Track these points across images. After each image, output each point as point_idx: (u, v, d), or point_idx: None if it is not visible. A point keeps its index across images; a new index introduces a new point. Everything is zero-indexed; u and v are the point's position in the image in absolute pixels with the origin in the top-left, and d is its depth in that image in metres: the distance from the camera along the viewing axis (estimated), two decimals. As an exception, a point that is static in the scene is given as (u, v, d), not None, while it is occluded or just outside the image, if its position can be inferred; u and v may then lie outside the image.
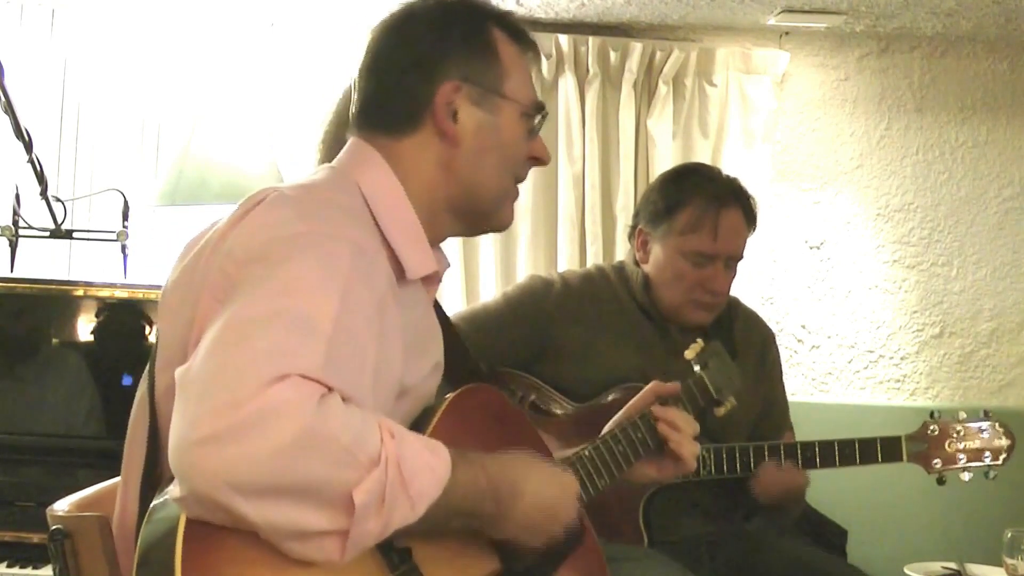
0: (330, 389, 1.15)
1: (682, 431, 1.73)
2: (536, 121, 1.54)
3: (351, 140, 1.50)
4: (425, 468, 1.20)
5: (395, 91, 1.46)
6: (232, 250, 1.26)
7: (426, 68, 1.44)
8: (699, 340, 1.95)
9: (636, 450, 1.73)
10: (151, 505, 1.22)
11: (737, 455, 2.26)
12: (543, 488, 1.40)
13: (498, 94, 1.48)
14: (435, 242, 1.50)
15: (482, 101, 1.47)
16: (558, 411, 2.31)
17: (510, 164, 1.52)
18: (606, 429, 1.76)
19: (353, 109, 1.52)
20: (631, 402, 1.81)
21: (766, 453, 2.26)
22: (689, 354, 1.92)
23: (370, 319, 1.26)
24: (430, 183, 1.46)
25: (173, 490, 1.14)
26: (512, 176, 1.54)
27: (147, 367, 1.41)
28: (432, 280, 1.49)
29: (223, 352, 1.14)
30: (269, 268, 1.21)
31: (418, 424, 1.43)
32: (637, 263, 2.41)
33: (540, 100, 1.55)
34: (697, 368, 1.90)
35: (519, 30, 1.52)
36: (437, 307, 1.59)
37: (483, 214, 1.54)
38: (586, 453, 1.68)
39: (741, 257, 2.38)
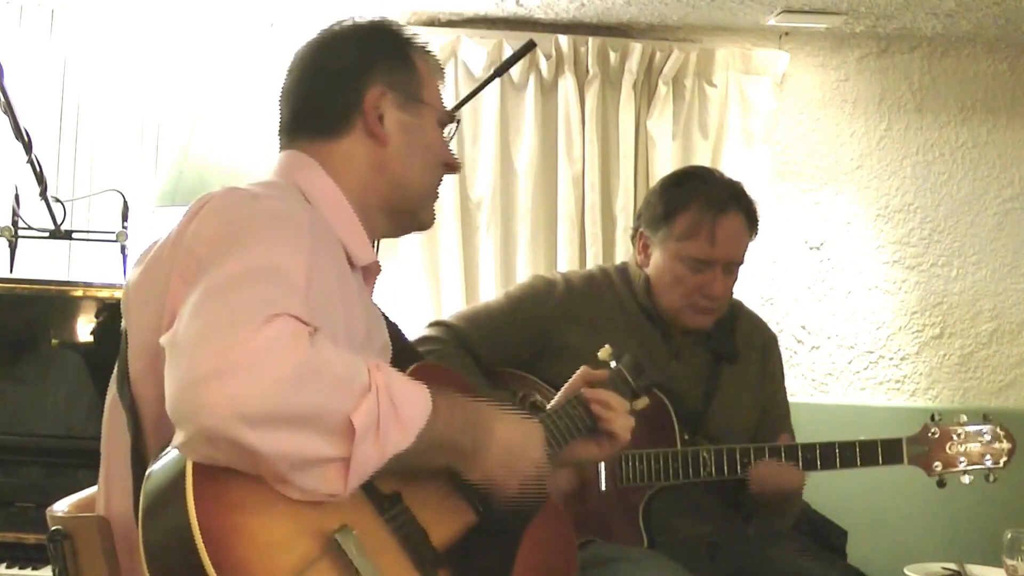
0: (316, 330, 1.22)
1: (614, 408, 1.80)
2: (448, 129, 1.69)
3: (281, 154, 1.61)
4: (412, 397, 1.29)
5: (326, 98, 1.58)
6: (197, 233, 1.34)
7: (353, 76, 1.57)
8: (607, 345, 1.96)
9: (576, 427, 1.79)
10: (147, 471, 1.24)
11: (737, 456, 2.26)
12: (513, 427, 1.50)
13: (418, 100, 1.61)
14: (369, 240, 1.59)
15: (405, 106, 1.59)
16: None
17: (434, 164, 1.65)
18: (548, 408, 1.83)
19: (279, 126, 1.63)
20: (566, 385, 1.87)
21: (766, 454, 2.26)
22: (602, 355, 1.94)
23: (333, 281, 1.37)
24: (363, 182, 1.57)
25: (176, 438, 1.17)
26: (436, 176, 1.66)
27: (116, 370, 1.44)
28: (371, 273, 1.60)
29: (211, 308, 1.19)
30: (236, 240, 1.29)
31: None
32: (639, 265, 2.41)
33: (451, 112, 1.69)
34: (613, 363, 1.92)
35: (428, 49, 1.67)
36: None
37: (410, 211, 1.65)
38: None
39: (741, 262, 2.37)
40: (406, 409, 1.26)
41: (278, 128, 1.63)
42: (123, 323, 1.45)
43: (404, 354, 1.66)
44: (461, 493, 1.49)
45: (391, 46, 1.61)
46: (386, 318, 1.68)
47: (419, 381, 1.51)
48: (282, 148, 1.61)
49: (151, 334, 1.32)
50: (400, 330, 1.74)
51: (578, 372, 1.88)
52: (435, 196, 1.67)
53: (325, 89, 1.58)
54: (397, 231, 1.69)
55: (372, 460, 1.22)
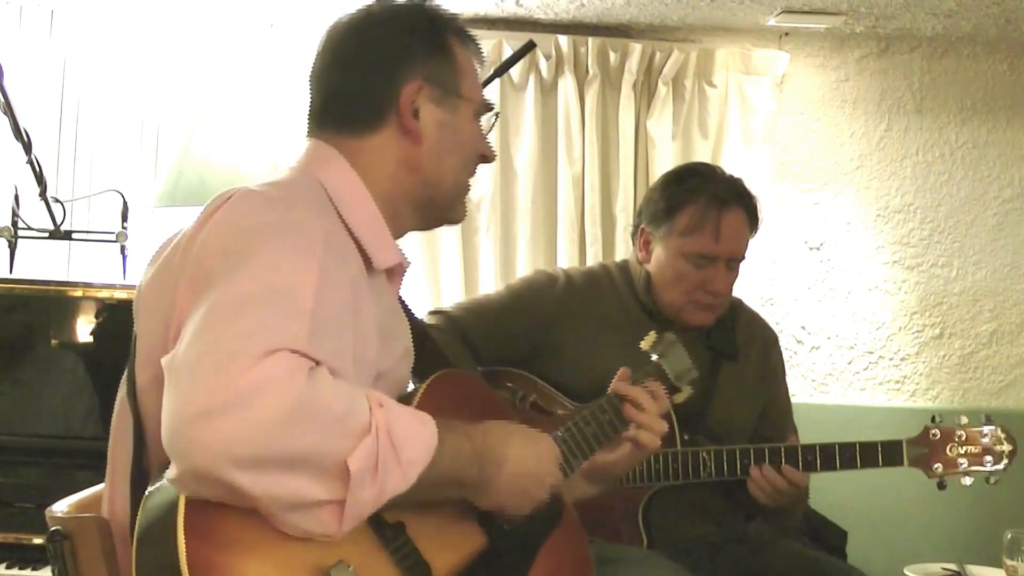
0: (317, 363, 1.18)
1: (646, 410, 1.76)
2: (486, 120, 1.61)
3: (309, 143, 1.54)
4: (414, 435, 1.24)
5: (359, 91, 1.51)
6: (207, 242, 1.30)
7: (390, 69, 1.50)
8: (653, 332, 1.94)
9: (605, 433, 1.75)
10: (146, 492, 1.23)
11: (738, 457, 2.26)
12: (525, 453, 1.44)
13: (456, 94, 1.54)
14: (395, 237, 1.54)
15: (442, 101, 1.52)
16: (558, 411, 2.31)
17: (468, 161, 1.59)
18: (580, 413, 1.78)
19: (308, 110, 1.56)
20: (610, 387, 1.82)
21: (767, 455, 2.26)
22: (644, 344, 1.91)
23: (346, 297, 1.30)
24: (392, 179, 1.51)
25: (169, 472, 1.15)
26: (470, 171, 1.60)
27: (126, 370, 1.43)
28: (396, 273, 1.54)
29: (210, 333, 1.16)
30: (245, 254, 1.24)
31: None
32: (640, 262, 2.41)
33: (490, 101, 1.62)
34: (654, 357, 1.90)
35: (468, 35, 1.59)
36: (402, 302, 1.63)
37: (442, 208, 1.59)
38: (559, 434, 1.70)
39: (743, 258, 2.37)
40: (407, 450, 1.21)
41: (308, 111, 1.56)
42: (134, 326, 1.43)
43: (429, 359, 1.62)
44: (472, 516, 1.45)
45: (430, 34, 1.53)
46: (412, 319, 1.63)
47: (437, 394, 1.50)
48: (310, 133, 1.55)
49: (158, 344, 1.31)
50: (427, 332, 1.70)
51: (619, 372, 1.84)
52: (467, 191, 1.61)
53: (359, 80, 1.50)
54: (426, 226, 1.64)
55: (369, 503, 1.19)
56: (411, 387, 1.59)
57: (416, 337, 1.60)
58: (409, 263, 1.57)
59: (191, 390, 1.12)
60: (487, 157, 1.62)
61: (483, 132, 1.61)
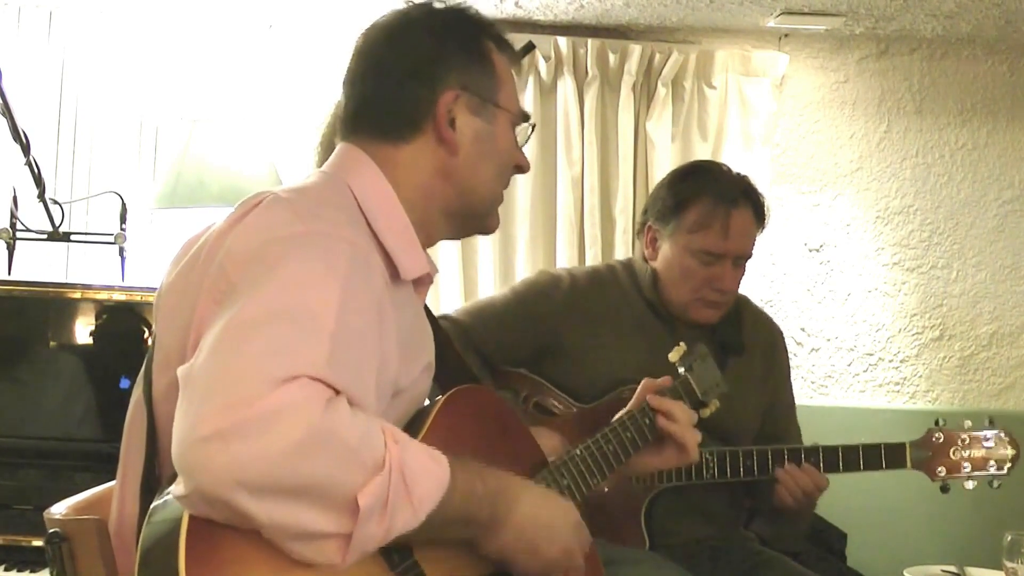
0: (337, 392, 1.16)
1: (679, 421, 1.77)
2: (522, 130, 1.59)
3: (340, 146, 1.52)
4: (427, 474, 1.21)
5: (395, 98, 1.48)
6: (231, 251, 1.27)
7: (427, 76, 1.47)
8: (681, 343, 1.95)
9: (635, 443, 1.76)
10: (151, 506, 1.22)
11: (741, 459, 2.25)
12: (540, 506, 1.41)
13: (493, 103, 1.52)
14: (426, 245, 1.52)
15: (479, 110, 1.50)
16: (562, 411, 2.30)
17: (503, 170, 1.56)
18: (605, 428, 1.78)
19: (341, 114, 1.54)
20: (630, 403, 1.84)
21: (770, 457, 2.25)
22: (673, 356, 1.92)
23: (370, 316, 1.28)
24: (426, 188, 1.49)
25: (176, 488, 1.14)
26: (504, 181, 1.58)
27: (143, 369, 1.41)
28: (423, 282, 1.52)
29: (228, 350, 1.14)
30: (268, 268, 1.22)
31: (412, 425, 1.44)
32: (646, 260, 2.40)
33: (526, 111, 1.60)
34: (682, 370, 1.91)
35: (506, 41, 1.57)
36: (427, 310, 1.61)
37: (476, 218, 1.58)
38: (578, 452, 1.70)
39: (750, 256, 2.37)
40: (420, 488, 1.19)
41: (341, 113, 1.54)
42: (154, 326, 1.42)
43: (451, 374, 1.61)
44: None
45: (468, 41, 1.50)
46: (436, 329, 1.61)
47: (454, 410, 1.48)
48: (342, 136, 1.53)
49: (177, 350, 1.29)
50: (451, 346, 1.69)
51: (641, 385, 1.85)
52: (501, 200, 1.58)
53: (394, 88, 1.48)
54: (459, 235, 1.61)
55: (376, 539, 1.17)
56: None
57: (439, 347, 1.58)
58: (436, 271, 1.54)
59: (205, 409, 1.10)
60: (522, 167, 1.59)
61: (518, 142, 1.58)
